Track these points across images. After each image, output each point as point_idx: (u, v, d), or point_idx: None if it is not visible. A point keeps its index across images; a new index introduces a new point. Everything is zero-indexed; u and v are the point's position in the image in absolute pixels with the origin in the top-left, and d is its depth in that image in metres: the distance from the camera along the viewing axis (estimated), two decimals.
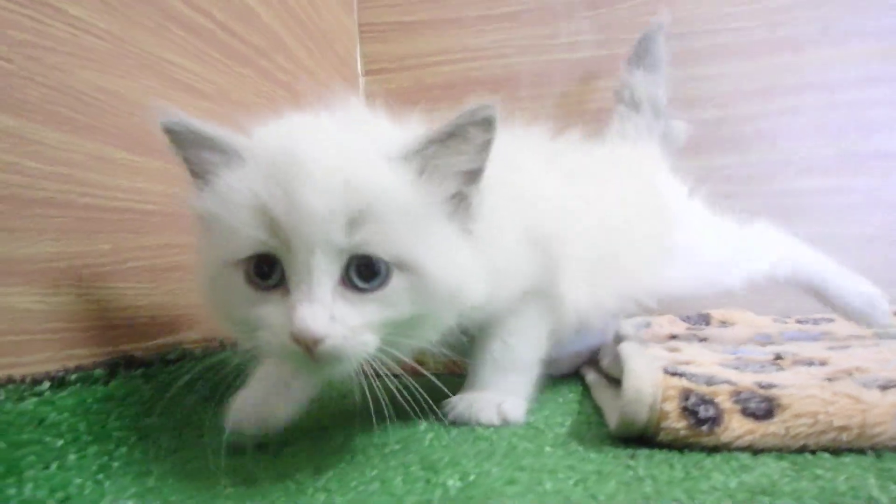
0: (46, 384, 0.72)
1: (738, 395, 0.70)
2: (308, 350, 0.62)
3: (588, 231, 0.96)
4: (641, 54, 1.46)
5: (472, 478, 0.66)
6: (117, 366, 0.84)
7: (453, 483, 0.65)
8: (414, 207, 0.67)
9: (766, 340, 1.20)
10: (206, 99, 1.11)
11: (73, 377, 0.76)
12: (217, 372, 0.98)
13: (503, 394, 0.90)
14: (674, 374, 0.75)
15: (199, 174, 0.68)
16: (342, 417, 0.93)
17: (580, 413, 0.93)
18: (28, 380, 0.71)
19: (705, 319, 1.45)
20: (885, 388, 0.69)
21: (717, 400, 0.70)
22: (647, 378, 0.74)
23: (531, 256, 0.87)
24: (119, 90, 0.91)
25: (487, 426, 0.86)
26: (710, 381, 0.73)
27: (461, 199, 0.73)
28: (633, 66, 1.46)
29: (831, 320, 1.37)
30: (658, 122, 1.41)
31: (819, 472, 0.61)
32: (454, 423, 0.88)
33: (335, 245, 0.63)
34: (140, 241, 0.93)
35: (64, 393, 0.74)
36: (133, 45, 0.94)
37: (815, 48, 1.63)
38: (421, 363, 0.99)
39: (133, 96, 0.93)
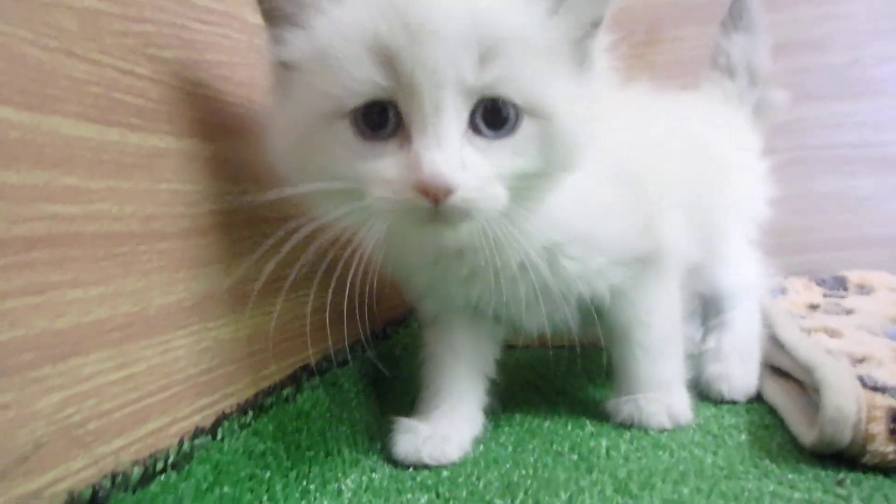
0: (250, 413, 0.74)
1: None
2: (435, 202, 0.56)
3: (683, 176, 0.93)
4: (736, 15, 1.33)
5: None
6: (300, 378, 0.86)
7: None
8: (547, 48, 0.60)
9: None
10: None
11: (269, 401, 0.78)
12: (373, 366, 1.01)
13: (665, 390, 0.90)
14: (874, 388, 0.74)
15: (284, 16, 0.60)
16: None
17: (749, 411, 0.92)
18: (235, 411, 0.73)
19: (842, 283, 1.40)
20: None
21: None
22: (849, 395, 0.72)
23: (630, 194, 0.81)
24: None
25: (659, 430, 0.86)
26: None
27: (584, 49, 0.65)
28: (730, 29, 1.33)
29: None
30: (753, 91, 1.30)
31: None
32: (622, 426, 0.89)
33: (465, 83, 0.56)
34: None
35: (265, 419, 0.76)
36: None
37: None
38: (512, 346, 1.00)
39: None
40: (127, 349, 0.56)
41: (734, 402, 0.96)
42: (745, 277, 1.12)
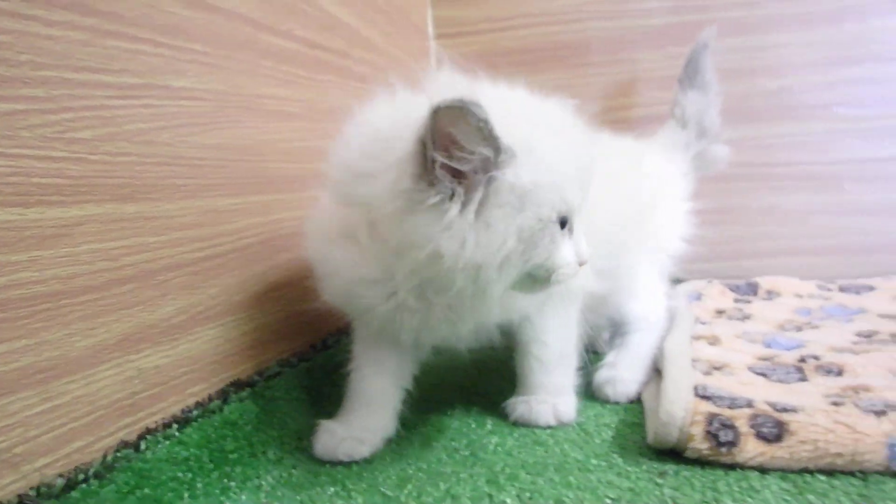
0: (175, 426, 0.88)
1: (755, 420, 0.82)
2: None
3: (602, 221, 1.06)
4: (692, 73, 1.50)
5: (527, 495, 0.81)
6: (228, 392, 1.00)
7: (511, 501, 0.80)
8: None
9: (804, 318, 1.30)
10: (295, 119, 1.22)
11: (195, 413, 0.92)
12: (309, 375, 1.15)
13: (555, 393, 1.04)
14: (703, 397, 0.87)
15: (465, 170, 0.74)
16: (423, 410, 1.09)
17: (628, 412, 1.06)
18: (160, 426, 0.87)
19: (753, 289, 1.54)
20: (880, 413, 0.81)
21: (736, 424, 0.82)
22: (680, 403, 0.87)
23: None
24: (222, 142, 1.01)
25: (545, 427, 1.01)
26: (732, 404, 0.85)
27: None
28: (686, 86, 1.51)
29: (871, 288, 1.46)
30: (699, 142, 1.48)
31: (811, 497, 0.74)
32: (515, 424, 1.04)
33: None
34: (242, 275, 1.06)
35: (189, 429, 0.89)
36: (232, 93, 1.04)
37: (879, 18, 1.64)
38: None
39: (235, 142, 1.04)
40: (51, 386, 0.71)
41: (617, 403, 1.09)
42: (648, 310, 1.26)
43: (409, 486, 0.86)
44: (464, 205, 0.74)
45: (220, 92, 1.01)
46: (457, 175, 0.73)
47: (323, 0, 1.32)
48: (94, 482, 0.73)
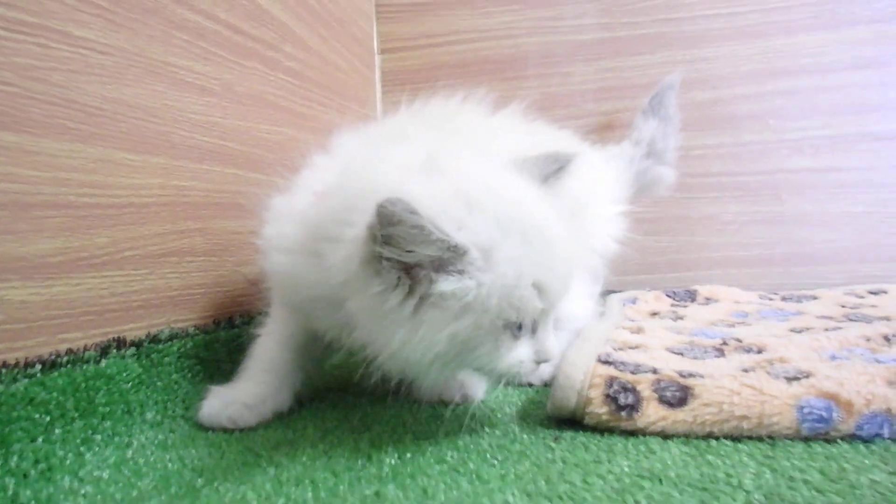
0: (38, 366, 0.80)
1: (658, 384, 0.76)
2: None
3: None
4: (656, 106, 1.56)
5: (408, 455, 0.74)
6: (109, 347, 0.92)
7: (390, 460, 0.73)
8: None
9: (739, 319, 1.25)
10: (211, 95, 1.18)
11: (65, 359, 0.85)
12: (208, 348, 1.08)
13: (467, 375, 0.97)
14: (605, 362, 0.81)
15: (442, 268, 0.70)
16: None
17: (537, 392, 0.99)
18: (21, 363, 0.80)
19: (692, 296, 1.49)
20: (791, 379, 0.75)
21: (638, 388, 0.76)
22: (580, 366, 0.81)
23: None
24: (125, 98, 0.98)
25: (449, 403, 0.93)
26: (635, 370, 0.79)
27: None
28: (648, 116, 1.56)
29: (815, 298, 1.40)
30: (646, 161, 1.51)
31: (711, 458, 0.68)
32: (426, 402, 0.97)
33: None
34: (137, 231, 1.00)
35: (55, 374, 0.82)
36: (139, 55, 1.01)
37: (807, 32, 1.65)
38: None
39: (139, 102, 1.00)
40: None
41: (531, 385, 1.03)
42: (574, 308, 1.20)
43: (285, 448, 0.80)
44: (405, 298, 0.71)
45: (125, 50, 0.98)
46: (408, 267, 0.70)
47: None
48: None
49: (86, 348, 0.89)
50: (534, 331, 0.77)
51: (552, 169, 0.82)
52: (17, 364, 0.79)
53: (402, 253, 0.69)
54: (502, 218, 0.71)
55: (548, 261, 0.73)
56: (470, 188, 0.72)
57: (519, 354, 0.75)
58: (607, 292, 1.43)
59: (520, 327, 0.74)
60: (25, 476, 0.70)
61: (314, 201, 0.84)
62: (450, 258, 0.69)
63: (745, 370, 0.79)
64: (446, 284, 0.69)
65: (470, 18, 1.89)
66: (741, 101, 1.70)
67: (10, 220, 0.80)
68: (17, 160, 0.81)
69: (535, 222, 0.73)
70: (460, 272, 0.69)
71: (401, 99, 1.72)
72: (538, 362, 0.77)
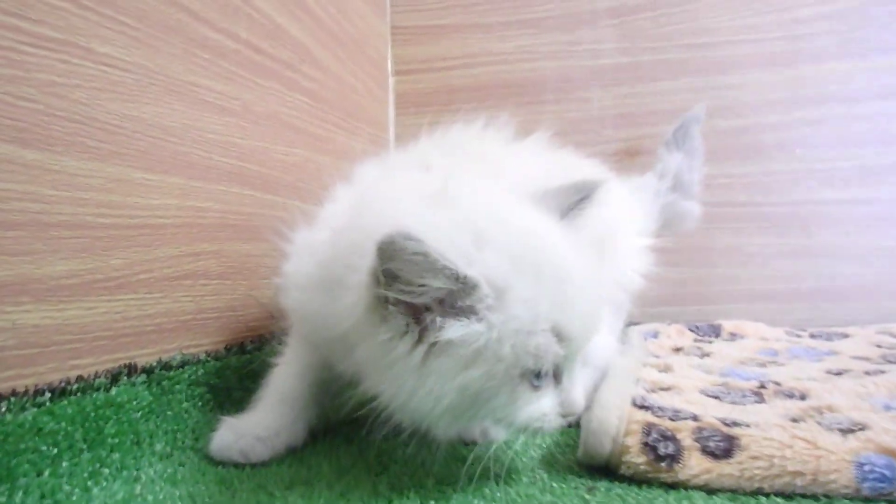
0: (47, 394, 0.77)
1: (700, 433, 0.72)
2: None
3: None
4: (680, 139, 1.51)
5: (431, 503, 0.70)
6: (120, 374, 0.88)
7: None
8: None
9: (769, 357, 1.20)
10: (231, 115, 1.16)
11: (75, 387, 0.81)
12: (219, 375, 1.04)
13: None
14: (641, 406, 0.77)
15: (452, 311, 0.66)
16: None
17: (563, 434, 0.95)
18: (31, 391, 0.76)
19: (716, 331, 1.44)
20: (846, 431, 0.70)
21: (678, 436, 0.72)
22: (614, 409, 0.76)
23: None
24: (144, 116, 0.95)
25: (470, 443, 0.89)
26: (675, 416, 0.75)
27: None
28: (672, 149, 1.51)
29: (846, 336, 1.36)
30: (671, 195, 1.45)
31: None
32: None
33: None
34: (152, 253, 0.97)
35: (64, 402, 0.78)
36: (160, 73, 0.98)
37: (836, 60, 1.62)
38: None
39: (158, 120, 0.98)
40: None
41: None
42: (598, 345, 1.15)
43: (300, 488, 0.75)
44: (414, 346, 0.66)
45: (146, 68, 0.96)
46: (416, 311, 0.66)
47: (271, 11, 1.30)
48: None
49: (97, 375, 0.86)
50: (557, 378, 0.71)
51: (575, 199, 0.77)
52: (26, 391, 0.76)
53: (407, 290, 0.64)
54: (515, 254, 0.66)
55: (567, 302, 0.67)
56: (480, 220, 0.68)
57: (541, 407, 0.70)
58: (626, 324, 1.38)
59: (538, 376, 0.69)
60: None
61: (331, 238, 0.80)
62: (459, 294, 0.64)
63: (794, 420, 0.75)
64: (454, 330, 0.65)
65: (485, 42, 1.87)
66: (767, 129, 1.66)
67: (28, 240, 0.78)
68: (37, 179, 0.79)
69: (552, 260, 0.68)
70: (470, 314, 0.65)
71: (414, 122, 1.70)
72: (564, 416, 0.71)
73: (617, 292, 1.20)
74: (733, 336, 1.42)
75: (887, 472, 0.65)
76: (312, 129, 1.45)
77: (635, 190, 1.38)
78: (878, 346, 1.22)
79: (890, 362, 1.09)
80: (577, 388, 0.72)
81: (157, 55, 0.98)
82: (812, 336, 1.40)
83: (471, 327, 0.65)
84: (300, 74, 1.40)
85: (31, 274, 0.78)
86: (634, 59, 1.75)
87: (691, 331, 1.44)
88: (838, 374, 1.02)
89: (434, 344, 0.65)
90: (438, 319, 0.65)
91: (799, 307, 1.62)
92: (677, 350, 1.29)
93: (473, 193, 0.72)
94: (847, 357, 1.15)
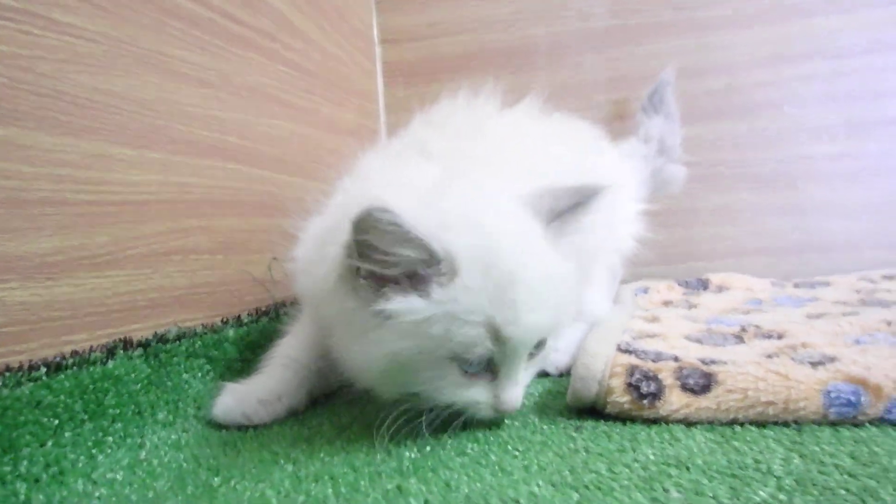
0: (43, 369, 0.78)
1: (680, 372, 0.75)
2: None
3: None
4: (657, 103, 1.54)
5: (428, 449, 0.73)
6: (115, 348, 0.90)
7: (410, 454, 0.72)
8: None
9: (754, 306, 1.23)
10: (209, 86, 1.15)
11: (70, 361, 0.82)
12: (217, 347, 1.06)
13: None
14: (626, 351, 0.80)
15: (399, 283, 0.70)
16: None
17: (554, 382, 0.98)
18: (25, 366, 0.77)
19: (704, 284, 1.47)
20: (817, 364, 0.73)
21: (660, 376, 0.75)
22: (600, 355, 0.79)
23: None
24: (116, 89, 0.94)
25: None
26: (657, 358, 0.77)
27: None
28: (650, 113, 1.54)
29: (828, 284, 1.39)
30: (658, 159, 1.49)
31: (737, 444, 0.66)
32: None
33: (532, 346, 0.75)
34: (138, 230, 0.97)
35: (61, 376, 0.79)
36: (130, 43, 0.96)
37: (823, 16, 1.63)
38: None
39: (132, 94, 0.97)
40: None
41: (548, 375, 1.02)
42: (592, 303, 1.17)
43: (302, 445, 0.78)
44: (373, 315, 0.71)
45: (115, 38, 0.94)
46: (383, 283, 0.70)
47: None
48: None
49: (91, 350, 0.87)
50: (494, 373, 0.74)
51: (568, 205, 0.78)
52: (20, 367, 0.77)
53: (380, 260, 0.69)
54: (471, 244, 0.69)
55: (508, 304, 0.69)
56: (451, 210, 0.72)
57: (472, 395, 0.73)
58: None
59: (471, 364, 0.72)
60: (37, 480, 0.69)
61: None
62: (423, 266, 0.68)
63: (769, 356, 0.78)
64: (398, 302, 0.69)
65: (474, 6, 1.85)
66: (756, 87, 1.67)
67: (6, 217, 0.78)
68: (8, 155, 0.78)
69: (507, 260, 0.70)
70: (421, 290, 0.69)
71: (404, 92, 1.69)
72: (496, 410, 0.74)
73: (612, 256, 1.23)
74: (720, 289, 1.44)
75: (852, 398, 0.69)
76: (297, 101, 1.44)
77: (626, 156, 1.40)
78: (857, 292, 1.26)
79: (866, 305, 1.12)
80: (514, 388, 0.74)
81: (126, 24, 0.96)
82: (796, 286, 1.43)
83: (412, 302, 0.68)
84: (280, 44, 1.38)
85: (13, 251, 0.78)
86: (624, 21, 1.75)
87: (680, 286, 1.47)
88: (818, 317, 1.04)
89: (381, 313, 0.69)
90: (390, 292, 0.69)
91: (786, 260, 1.65)
92: (666, 304, 1.32)
93: (461, 192, 0.75)
94: (827, 302, 1.19)
